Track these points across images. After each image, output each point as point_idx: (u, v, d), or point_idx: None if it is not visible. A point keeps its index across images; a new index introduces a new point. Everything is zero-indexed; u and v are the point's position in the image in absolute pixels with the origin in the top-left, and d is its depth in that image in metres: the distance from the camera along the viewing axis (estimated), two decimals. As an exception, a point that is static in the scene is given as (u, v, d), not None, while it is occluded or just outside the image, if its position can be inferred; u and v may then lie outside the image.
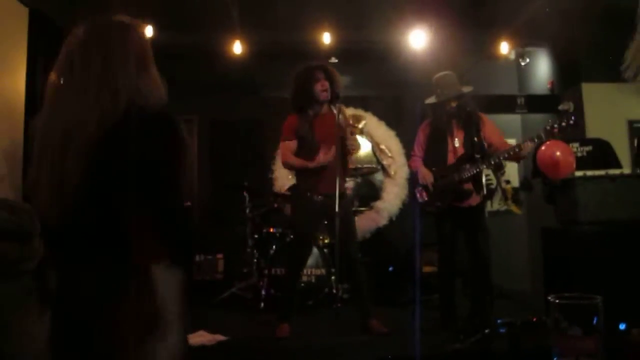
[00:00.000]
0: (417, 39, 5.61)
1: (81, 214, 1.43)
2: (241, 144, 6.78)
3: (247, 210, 5.78)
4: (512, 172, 6.65)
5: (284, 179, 6.77)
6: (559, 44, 6.11)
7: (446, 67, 4.46)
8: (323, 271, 5.22)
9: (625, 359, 1.55)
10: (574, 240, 4.25)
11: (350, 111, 6.41)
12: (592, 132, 5.34)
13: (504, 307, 4.88)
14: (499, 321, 3.87)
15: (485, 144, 4.13)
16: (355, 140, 4.32)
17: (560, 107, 5.96)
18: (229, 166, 6.75)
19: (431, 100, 4.33)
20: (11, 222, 2.99)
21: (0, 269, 2.86)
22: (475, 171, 4.03)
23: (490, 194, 5.61)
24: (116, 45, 1.58)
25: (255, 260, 5.56)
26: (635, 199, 4.19)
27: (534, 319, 3.55)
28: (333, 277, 5.04)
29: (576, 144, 4.69)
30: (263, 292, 5.16)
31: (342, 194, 4.06)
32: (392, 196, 6.71)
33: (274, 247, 5.39)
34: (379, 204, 6.69)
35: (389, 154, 6.80)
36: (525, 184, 6.31)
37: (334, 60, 6.13)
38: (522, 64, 6.49)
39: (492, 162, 4.02)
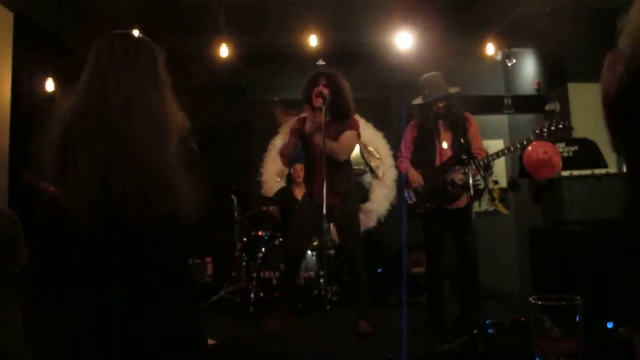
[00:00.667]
0: (405, 40, 5.62)
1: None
2: (229, 147, 6.75)
3: (236, 214, 5.76)
4: (500, 172, 6.69)
5: (272, 182, 6.77)
6: (545, 45, 6.15)
7: (434, 68, 4.47)
8: (312, 274, 5.22)
9: (613, 357, 1.56)
10: (561, 239, 4.28)
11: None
12: (578, 132, 5.35)
13: (492, 307, 4.90)
14: (487, 322, 3.88)
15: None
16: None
17: (547, 108, 6.00)
18: (217, 170, 6.73)
19: (418, 101, 4.34)
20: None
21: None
22: (466, 171, 4.03)
23: (479, 194, 5.63)
24: (142, 64, 1.74)
25: (244, 263, 5.54)
26: (621, 199, 4.21)
27: (522, 319, 3.56)
28: (322, 280, 5.03)
29: (562, 144, 4.72)
30: (252, 296, 5.14)
31: (345, 196, 4.13)
32: (381, 198, 6.71)
33: (262, 250, 5.37)
34: (367, 205, 6.69)
35: (377, 156, 6.80)
36: (512, 184, 6.35)
37: (321, 62, 6.13)
38: (509, 64, 6.53)
39: (481, 164, 4.02)
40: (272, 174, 6.89)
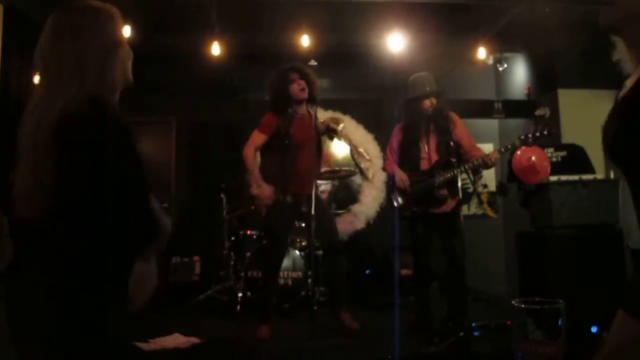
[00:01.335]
0: (397, 42, 5.63)
1: (56, 207, 1.41)
2: (219, 146, 6.72)
3: (224, 213, 5.75)
4: (489, 176, 6.71)
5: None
6: (536, 50, 6.18)
7: (425, 71, 4.47)
8: (300, 274, 5.22)
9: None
10: (548, 243, 4.31)
11: (328, 114, 6.41)
12: (567, 137, 5.40)
13: (479, 310, 4.91)
14: (474, 324, 3.90)
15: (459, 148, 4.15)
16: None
17: (537, 113, 6.03)
18: (207, 168, 6.71)
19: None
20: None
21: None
22: (450, 175, 4.04)
23: (467, 198, 5.65)
24: (85, 31, 1.54)
25: (232, 262, 5.52)
26: (608, 204, 4.25)
27: (508, 322, 3.58)
28: (310, 280, 5.03)
29: (551, 149, 4.75)
30: (239, 295, 5.13)
31: (316, 195, 4.10)
32: (370, 199, 6.71)
33: (250, 249, 5.36)
34: (356, 207, 6.69)
35: (367, 157, 6.80)
36: (501, 188, 6.38)
37: (313, 62, 6.13)
38: (500, 69, 6.56)
39: (467, 167, 4.02)
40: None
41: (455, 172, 3.97)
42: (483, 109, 6.36)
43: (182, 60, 6.16)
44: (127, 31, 5.13)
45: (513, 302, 0.96)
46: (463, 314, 3.95)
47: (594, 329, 3.74)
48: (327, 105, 6.34)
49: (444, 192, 4.12)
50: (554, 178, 4.38)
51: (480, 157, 4.02)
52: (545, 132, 3.87)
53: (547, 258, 4.27)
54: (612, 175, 4.54)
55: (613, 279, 3.91)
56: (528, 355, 0.92)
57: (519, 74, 6.63)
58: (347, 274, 4.35)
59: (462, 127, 4.26)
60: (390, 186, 4.42)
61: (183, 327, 4.18)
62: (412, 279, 4.56)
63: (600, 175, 4.54)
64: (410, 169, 4.23)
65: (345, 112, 6.87)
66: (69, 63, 1.51)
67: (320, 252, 5.39)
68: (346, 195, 6.80)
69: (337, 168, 6.13)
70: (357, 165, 6.87)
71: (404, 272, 5.46)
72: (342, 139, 6.82)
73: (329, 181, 6.28)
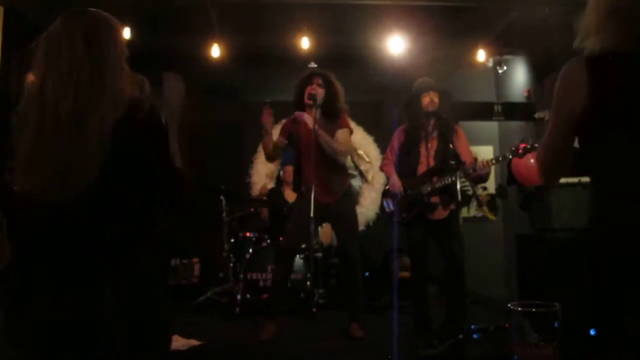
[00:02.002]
0: (397, 45, 5.64)
1: (100, 195, 1.55)
2: (219, 148, 6.73)
3: (224, 214, 5.75)
4: (489, 178, 6.70)
5: (261, 183, 6.76)
6: (536, 52, 6.18)
7: (425, 73, 4.48)
8: (299, 276, 5.21)
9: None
10: (548, 246, 4.30)
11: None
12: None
13: (478, 313, 4.91)
14: (473, 327, 3.89)
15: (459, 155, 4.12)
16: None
17: (537, 115, 6.03)
18: (206, 170, 6.70)
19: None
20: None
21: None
22: (445, 183, 4.01)
23: (467, 200, 5.64)
24: (107, 41, 1.66)
25: (231, 264, 5.52)
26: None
27: (507, 325, 3.57)
28: (309, 282, 5.03)
29: (550, 152, 4.74)
30: (238, 297, 5.12)
31: (343, 195, 4.18)
32: (369, 202, 6.72)
33: (250, 251, 5.36)
34: (356, 209, 6.68)
35: (367, 159, 6.81)
36: (500, 190, 6.37)
37: (312, 64, 6.13)
38: (500, 71, 6.56)
39: (464, 174, 3.98)
40: (262, 175, 6.89)
41: (453, 178, 3.92)
42: (483, 111, 6.36)
43: (182, 62, 6.15)
44: (127, 32, 5.14)
45: (509, 305, 0.96)
46: (462, 317, 3.94)
47: (592, 332, 3.73)
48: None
49: (436, 199, 4.09)
50: (553, 180, 4.37)
51: (469, 167, 3.96)
52: (536, 145, 3.84)
53: (546, 261, 4.27)
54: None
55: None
56: (525, 358, 0.92)
57: (518, 77, 6.63)
58: (361, 284, 4.32)
59: (465, 142, 4.21)
60: (384, 191, 4.41)
61: (182, 329, 4.17)
62: (410, 281, 4.55)
63: (599, 178, 4.53)
64: (408, 172, 4.22)
65: (344, 114, 6.87)
66: (87, 68, 1.60)
67: (320, 255, 5.40)
68: (352, 195, 6.79)
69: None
70: (356, 167, 6.87)
71: (403, 274, 5.45)
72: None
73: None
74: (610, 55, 1.52)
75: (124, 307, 1.53)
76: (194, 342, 3.99)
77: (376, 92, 6.82)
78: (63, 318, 1.47)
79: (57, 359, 1.47)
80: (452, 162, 3.96)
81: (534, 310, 0.93)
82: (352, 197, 4.58)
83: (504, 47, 6.21)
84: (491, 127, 6.97)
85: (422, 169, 4.18)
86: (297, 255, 5.23)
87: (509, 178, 4.76)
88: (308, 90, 4.14)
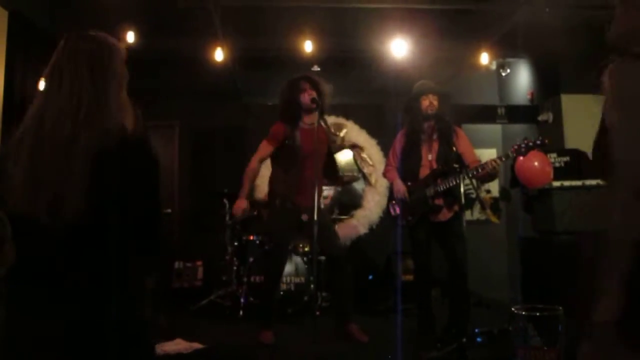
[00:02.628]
0: (400, 48, 5.64)
1: (86, 216, 1.55)
2: (222, 150, 6.74)
3: (227, 218, 5.75)
4: (492, 181, 6.70)
5: (264, 186, 6.72)
6: (539, 55, 6.18)
7: (428, 76, 4.47)
8: (302, 279, 5.21)
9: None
10: (551, 249, 4.29)
11: (331, 119, 6.41)
12: (570, 142, 5.39)
13: (481, 316, 4.90)
14: (476, 330, 3.88)
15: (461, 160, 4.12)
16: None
17: (540, 118, 6.03)
18: (210, 173, 6.72)
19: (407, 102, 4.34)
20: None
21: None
22: (449, 185, 4.01)
23: (470, 203, 5.64)
24: (105, 64, 1.69)
25: (234, 267, 5.53)
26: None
27: (511, 329, 3.56)
28: (312, 285, 5.03)
29: (554, 155, 4.74)
30: (242, 300, 5.13)
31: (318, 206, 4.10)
32: (373, 204, 6.71)
33: (253, 254, 5.36)
34: (359, 212, 6.68)
35: (370, 162, 6.80)
36: (504, 193, 6.36)
37: (316, 68, 6.15)
38: (503, 74, 6.56)
39: (471, 175, 3.99)
40: (265, 178, 6.85)
41: (457, 180, 3.93)
42: (486, 114, 6.35)
43: (186, 65, 6.18)
44: (130, 36, 5.16)
45: (513, 309, 0.96)
46: (465, 320, 3.94)
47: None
48: (330, 110, 6.34)
49: (440, 201, 4.09)
50: (556, 183, 4.37)
51: (475, 168, 3.96)
52: (539, 142, 3.84)
53: (549, 263, 4.26)
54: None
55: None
56: (527, 362, 0.92)
57: (521, 79, 6.63)
58: (351, 283, 4.33)
59: (466, 142, 4.22)
60: (390, 195, 4.41)
61: (185, 333, 4.18)
62: (413, 284, 4.54)
63: (603, 181, 4.53)
64: (410, 176, 4.22)
65: (348, 117, 6.89)
66: (90, 87, 1.63)
67: (323, 258, 5.39)
68: (349, 201, 6.79)
69: (340, 173, 6.13)
70: (360, 170, 6.87)
71: (406, 277, 5.45)
72: (345, 144, 6.83)
73: (332, 187, 6.27)
74: None
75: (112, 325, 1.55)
76: (197, 346, 3.99)
77: (379, 95, 6.83)
78: (53, 334, 1.50)
79: None
80: (456, 165, 3.97)
81: (537, 313, 0.93)
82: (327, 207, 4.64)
83: (507, 49, 6.21)
84: (494, 129, 6.97)
85: (424, 171, 4.18)
86: (300, 259, 5.24)
87: (512, 180, 4.75)
88: (306, 95, 4.16)
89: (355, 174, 6.76)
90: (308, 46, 5.65)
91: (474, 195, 4.95)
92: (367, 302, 5.51)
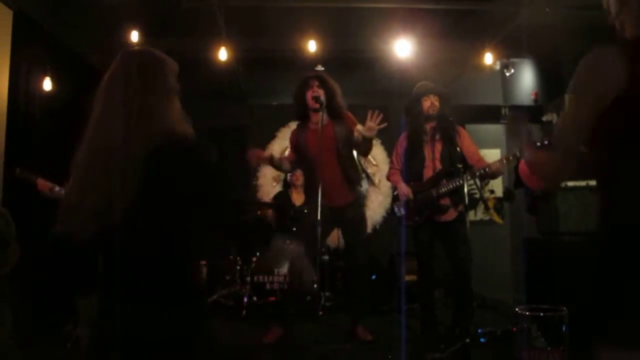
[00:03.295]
0: (403, 48, 5.63)
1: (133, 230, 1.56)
2: (226, 150, 6.75)
3: (230, 217, 5.74)
4: (496, 182, 6.68)
5: (268, 186, 6.77)
6: (543, 56, 6.17)
7: (432, 76, 4.48)
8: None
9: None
10: (555, 250, 4.28)
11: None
12: (574, 143, 5.37)
13: (485, 316, 4.89)
14: (480, 331, 3.88)
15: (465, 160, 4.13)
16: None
17: (544, 119, 6.00)
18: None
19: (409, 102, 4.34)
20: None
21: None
22: (453, 185, 4.01)
23: (474, 203, 5.63)
24: (160, 76, 1.78)
25: (237, 267, 5.52)
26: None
27: (514, 329, 3.55)
28: (316, 286, 5.02)
29: (558, 155, 4.71)
30: (245, 300, 5.13)
31: (351, 202, 4.15)
32: (376, 205, 6.71)
33: (256, 254, 5.36)
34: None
35: (374, 163, 6.81)
36: (507, 194, 6.35)
37: (320, 68, 6.14)
38: (507, 74, 6.54)
39: (477, 175, 3.99)
40: (268, 178, 6.90)
41: (461, 181, 3.93)
42: (490, 114, 6.34)
43: (189, 65, 6.16)
44: (134, 35, 5.17)
45: (517, 309, 0.95)
46: (469, 321, 3.94)
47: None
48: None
49: (446, 201, 4.09)
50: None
51: (480, 168, 3.97)
52: (546, 142, 3.82)
53: (553, 265, 4.24)
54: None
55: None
56: (531, 363, 0.92)
57: (526, 80, 6.61)
58: (366, 287, 4.35)
59: (469, 141, 4.23)
60: (394, 196, 4.41)
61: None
62: (416, 284, 4.54)
63: (607, 182, 4.50)
64: (414, 177, 4.22)
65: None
66: (140, 101, 1.68)
67: (327, 257, 5.39)
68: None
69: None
70: (363, 170, 6.87)
71: (409, 277, 5.44)
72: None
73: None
74: None
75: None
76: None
77: (383, 96, 6.82)
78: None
79: None
80: (460, 166, 3.97)
81: (541, 314, 0.93)
82: (361, 202, 4.55)
83: (511, 50, 6.20)
84: (498, 130, 6.95)
85: (427, 172, 4.17)
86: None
87: (516, 181, 4.73)
88: (310, 94, 4.13)
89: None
90: (312, 46, 5.65)
91: (477, 196, 4.94)
92: (370, 302, 5.50)
